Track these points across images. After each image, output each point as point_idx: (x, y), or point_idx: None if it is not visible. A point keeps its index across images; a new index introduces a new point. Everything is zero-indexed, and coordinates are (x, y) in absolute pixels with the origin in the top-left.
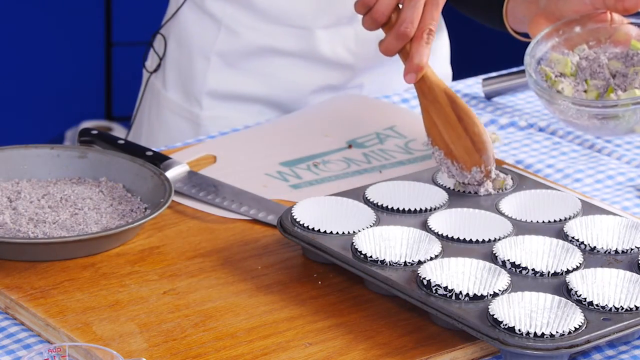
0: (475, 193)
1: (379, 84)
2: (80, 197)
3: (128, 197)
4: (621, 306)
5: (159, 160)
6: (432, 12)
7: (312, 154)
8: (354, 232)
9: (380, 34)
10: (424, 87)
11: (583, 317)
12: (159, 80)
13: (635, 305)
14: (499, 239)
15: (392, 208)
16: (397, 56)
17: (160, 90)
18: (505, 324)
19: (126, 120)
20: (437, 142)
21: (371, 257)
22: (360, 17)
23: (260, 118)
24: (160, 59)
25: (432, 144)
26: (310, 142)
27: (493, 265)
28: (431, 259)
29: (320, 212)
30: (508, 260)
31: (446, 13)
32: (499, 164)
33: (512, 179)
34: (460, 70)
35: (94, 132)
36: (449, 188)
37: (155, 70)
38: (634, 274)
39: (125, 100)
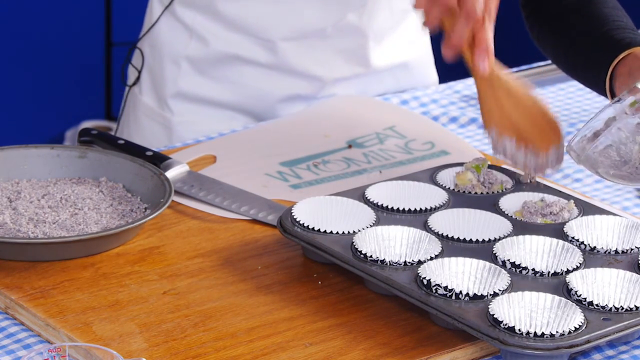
0: (530, 181)
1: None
2: (80, 197)
3: (128, 197)
4: (621, 306)
5: (159, 160)
6: None
7: (312, 154)
8: (354, 232)
9: (350, 47)
10: (493, 76)
11: (583, 317)
12: (137, 86)
13: (635, 305)
14: (499, 239)
15: (392, 208)
16: (371, 67)
17: (137, 95)
18: (505, 324)
19: None
20: (508, 131)
21: (371, 257)
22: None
23: (231, 124)
24: (139, 72)
25: (498, 134)
26: (310, 142)
27: (493, 265)
28: (431, 258)
29: (320, 212)
30: (508, 260)
31: None
32: (499, 164)
33: (512, 179)
34: (460, 70)
35: (94, 132)
36: (449, 188)
37: (135, 84)
38: (634, 274)
39: None
